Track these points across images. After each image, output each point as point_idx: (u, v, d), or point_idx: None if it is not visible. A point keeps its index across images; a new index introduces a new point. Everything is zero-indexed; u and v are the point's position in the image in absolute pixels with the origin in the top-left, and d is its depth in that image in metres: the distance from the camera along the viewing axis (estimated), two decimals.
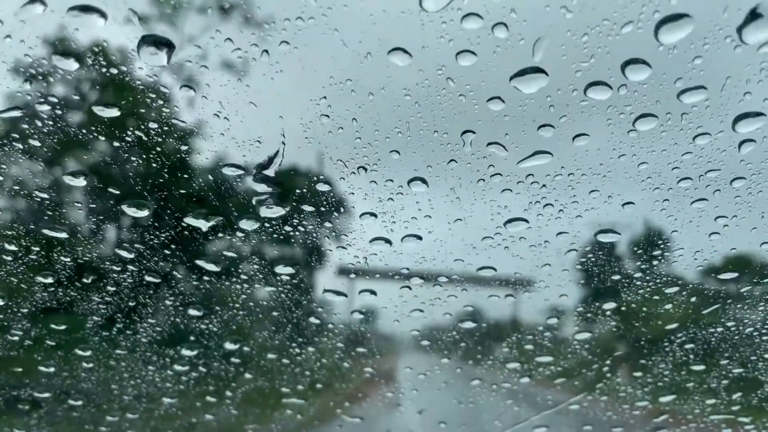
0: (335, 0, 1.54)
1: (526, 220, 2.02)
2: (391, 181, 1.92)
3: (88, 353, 2.49)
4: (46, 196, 2.08)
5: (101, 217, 2.25)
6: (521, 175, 1.91)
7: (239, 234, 2.11)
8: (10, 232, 2.12)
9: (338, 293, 2.25)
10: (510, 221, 2.01)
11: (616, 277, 2.34)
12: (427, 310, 2.30)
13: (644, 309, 2.46)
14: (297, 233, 2.11)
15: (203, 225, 2.03)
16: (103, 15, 1.48)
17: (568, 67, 1.63)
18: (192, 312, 2.43)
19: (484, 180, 1.90)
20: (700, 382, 2.63)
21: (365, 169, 1.90)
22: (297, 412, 2.57)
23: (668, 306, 2.44)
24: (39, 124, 1.85)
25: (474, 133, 1.80)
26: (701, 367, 2.59)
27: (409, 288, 2.26)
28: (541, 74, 1.60)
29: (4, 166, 2.02)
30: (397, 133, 1.82)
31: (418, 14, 1.51)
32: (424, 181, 1.90)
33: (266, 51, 1.64)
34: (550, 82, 1.64)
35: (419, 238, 2.04)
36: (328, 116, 1.78)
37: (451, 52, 1.62)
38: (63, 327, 2.40)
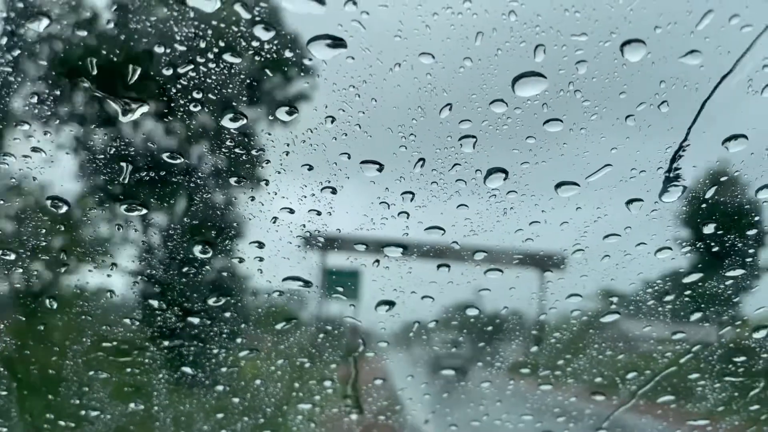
0: (339, 11, 1.56)
1: (532, 222, 2.03)
2: (396, 186, 1.94)
3: None
4: None
5: None
6: (526, 176, 1.92)
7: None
8: None
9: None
10: (515, 223, 2.02)
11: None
12: (438, 315, 2.32)
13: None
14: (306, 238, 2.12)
15: None
16: None
17: (571, 66, 1.65)
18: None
19: (488, 182, 1.90)
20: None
21: (369, 174, 1.91)
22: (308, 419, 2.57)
23: None
24: None
25: (475, 137, 1.82)
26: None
27: (415, 292, 2.26)
28: (542, 77, 1.62)
29: None
30: (401, 138, 1.84)
31: (421, 21, 1.53)
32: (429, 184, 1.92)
33: None
34: (551, 84, 1.65)
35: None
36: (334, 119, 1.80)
37: (454, 57, 1.64)
38: None
